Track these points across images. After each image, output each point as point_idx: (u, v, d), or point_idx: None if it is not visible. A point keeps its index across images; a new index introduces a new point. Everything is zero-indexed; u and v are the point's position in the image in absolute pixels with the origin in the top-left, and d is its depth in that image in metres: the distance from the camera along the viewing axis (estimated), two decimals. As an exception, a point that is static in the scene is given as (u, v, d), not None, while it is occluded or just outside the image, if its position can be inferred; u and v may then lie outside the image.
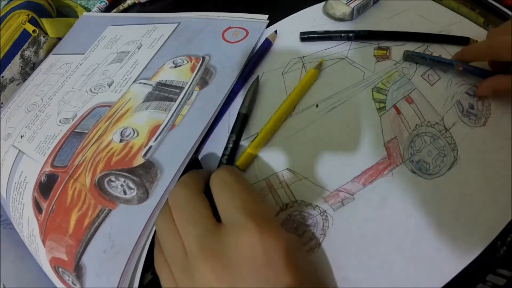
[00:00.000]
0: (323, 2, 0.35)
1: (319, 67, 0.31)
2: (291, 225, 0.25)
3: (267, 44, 0.33)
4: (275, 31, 0.34)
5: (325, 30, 0.33)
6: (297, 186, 0.26)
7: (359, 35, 0.32)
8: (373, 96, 0.29)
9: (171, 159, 0.25)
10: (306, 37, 0.33)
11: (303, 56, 0.32)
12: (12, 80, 0.42)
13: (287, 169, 0.27)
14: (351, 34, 0.32)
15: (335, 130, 0.28)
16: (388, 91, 0.29)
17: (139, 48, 0.35)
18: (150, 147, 0.26)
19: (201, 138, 0.27)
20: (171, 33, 0.35)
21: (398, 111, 0.28)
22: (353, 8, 0.33)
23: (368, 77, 0.30)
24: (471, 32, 0.32)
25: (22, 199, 0.28)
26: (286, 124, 0.29)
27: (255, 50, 0.32)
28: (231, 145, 0.27)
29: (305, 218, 0.25)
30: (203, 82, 0.30)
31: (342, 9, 0.33)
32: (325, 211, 0.25)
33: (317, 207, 0.25)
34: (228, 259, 0.18)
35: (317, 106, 0.29)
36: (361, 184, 0.26)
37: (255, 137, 0.28)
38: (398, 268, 0.23)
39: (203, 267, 0.18)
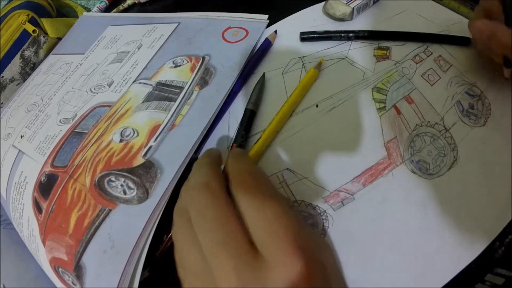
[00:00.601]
0: (323, 2, 0.35)
1: (319, 66, 0.31)
2: None
3: (267, 44, 0.33)
4: (275, 31, 0.34)
5: (325, 30, 0.33)
6: (297, 186, 0.26)
7: (359, 35, 0.32)
8: (373, 96, 0.29)
9: (171, 159, 0.25)
10: (306, 37, 0.33)
11: (303, 56, 0.32)
12: (12, 80, 0.42)
13: (287, 169, 0.27)
14: (351, 34, 0.32)
15: (335, 130, 0.28)
16: (388, 91, 0.29)
17: (139, 48, 0.35)
18: (150, 147, 0.26)
19: (201, 138, 0.27)
20: (171, 33, 0.35)
21: (398, 111, 0.28)
22: (353, 8, 0.33)
23: (368, 77, 0.30)
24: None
25: (22, 199, 0.28)
26: (286, 124, 0.29)
27: (255, 50, 0.32)
28: (244, 143, 0.28)
29: (305, 218, 0.25)
30: (203, 82, 0.30)
31: (342, 9, 0.33)
32: (325, 211, 0.25)
33: (317, 207, 0.25)
34: None
35: (317, 106, 0.29)
36: (361, 184, 0.26)
37: (258, 139, 0.28)
38: (398, 268, 0.23)
39: None
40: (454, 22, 0.33)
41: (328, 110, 0.29)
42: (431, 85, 0.30)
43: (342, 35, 0.32)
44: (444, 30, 0.33)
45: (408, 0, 0.35)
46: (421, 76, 0.30)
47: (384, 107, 0.29)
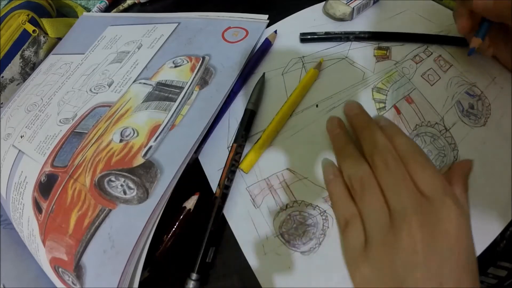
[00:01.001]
0: (323, 2, 0.35)
1: (319, 66, 0.31)
2: (291, 225, 0.25)
3: (267, 44, 0.33)
4: (275, 31, 0.34)
5: (325, 31, 0.33)
6: (297, 186, 0.26)
7: (359, 37, 0.32)
8: (373, 96, 0.29)
9: (171, 159, 0.25)
10: (306, 38, 0.33)
11: (303, 56, 0.32)
12: (12, 80, 0.42)
13: (287, 169, 0.27)
14: (351, 36, 0.32)
15: (334, 129, 0.28)
16: (388, 91, 0.29)
17: (139, 48, 0.35)
18: (150, 147, 0.26)
19: (201, 138, 0.27)
20: (171, 33, 0.35)
21: (398, 111, 0.28)
22: (353, 8, 0.33)
23: (368, 77, 0.30)
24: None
25: (22, 199, 0.28)
26: (286, 124, 0.29)
27: (255, 50, 0.32)
28: (244, 143, 0.28)
29: (305, 218, 0.25)
30: (203, 82, 0.30)
31: (342, 9, 0.33)
32: (325, 211, 0.25)
33: (317, 207, 0.25)
34: (438, 227, 0.20)
35: (317, 106, 0.29)
36: (361, 184, 0.26)
37: (258, 139, 0.28)
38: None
39: (412, 225, 0.19)
40: (454, 22, 0.33)
41: (328, 110, 0.29)
42: (431, 85, 0.30)
43: (342, 36, 0.32)
44: (444, 30, 0.33)
45: (408, 0, 0.35)
46: (421, 76, 0.30)
47: (384, 107, 0.29)
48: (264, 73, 0.31)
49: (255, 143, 0.28)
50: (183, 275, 0.24)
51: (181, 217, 0.26)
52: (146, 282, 0.24)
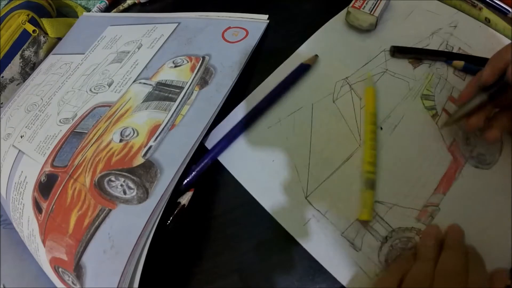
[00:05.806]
0: (338, 14, 0.34)
1: (371, 82, 0.30)
2: (394, 254, 0.25)
3: (304, 69, 0.31)
4: (316, 55, 0.32)
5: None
6: (390, 215, 0.26)
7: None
8: (424, 105, 0.29)
9: (171, 159, 0.25)
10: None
11: (347, 77, 0.31)
12: (12, 80, 0.42)
13: (375, 201, 0.26)
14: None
15: (403, 148, 0.28)
16: (434, 96, 0.30)
17: (139, 48, 0.35)
18: (150, 147, 0.26)
19: (201, 138, 0.27)
20: (171, 33, 0.35)
21: (448, 114, 0.29)
22: (377, 17, 0.32)
23: (413, 86, 0.30)
24: (474, 28, 0.32)
25: (22, 199, 0.28)
26: (358, 158, 0.28)
27: (291, 75, 0.31)
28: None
29: (405, 243, 0.25)
30: (203, 82, 0.30)
31: (368, 20, 0.32)
32: (420, 230, 0.25)
33: (412, 228, 0.25)
34: None
35: (381, 128, 0.29)
36: (442, 193, 0.26)
37: (369, 182, 0.26)
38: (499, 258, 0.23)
39: None
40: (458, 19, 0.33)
41: (392, 130, 0.28)
42: (463, 80, 0.30)
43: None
44: (453, 22, 0.33)
45: (414, 0, 0.35)
46: (453, 73, 0.31)
47: (436, 113, 0.29)
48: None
49: (366, 186, 0.26)
50: (183, 275, 0.24)
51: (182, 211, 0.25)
52: (146, 282, 0.24)
